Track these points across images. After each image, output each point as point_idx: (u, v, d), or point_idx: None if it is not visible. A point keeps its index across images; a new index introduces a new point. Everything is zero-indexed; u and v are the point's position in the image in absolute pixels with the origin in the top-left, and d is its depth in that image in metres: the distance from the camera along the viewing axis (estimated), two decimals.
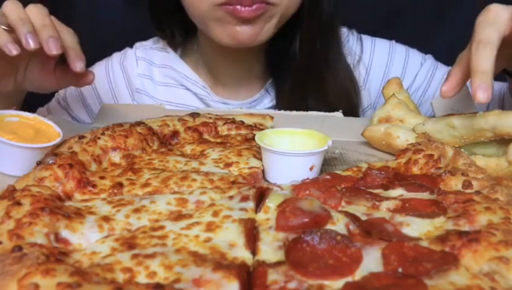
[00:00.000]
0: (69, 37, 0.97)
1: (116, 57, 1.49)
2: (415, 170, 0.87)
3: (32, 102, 1.41)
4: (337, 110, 1.27)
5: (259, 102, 1.42)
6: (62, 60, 1.02)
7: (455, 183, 0.80)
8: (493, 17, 0.87)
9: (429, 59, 1.46)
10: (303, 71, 1.34)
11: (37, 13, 0.93)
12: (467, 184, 0.79)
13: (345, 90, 1.38)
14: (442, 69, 1.44)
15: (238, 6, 1.14)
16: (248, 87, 1.42)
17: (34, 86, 1.11)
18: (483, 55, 0.84)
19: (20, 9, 0.93)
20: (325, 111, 1.27)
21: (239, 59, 1.35)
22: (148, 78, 1.45)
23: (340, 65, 1.38)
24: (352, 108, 1.37)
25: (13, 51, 0.91)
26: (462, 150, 0.90)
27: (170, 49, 1.46)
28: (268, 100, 1.41)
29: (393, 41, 1.48)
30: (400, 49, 1.46)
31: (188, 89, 1.42)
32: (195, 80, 1.42)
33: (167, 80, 1.44)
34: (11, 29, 0.93)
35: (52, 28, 0.93)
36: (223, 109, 1.33)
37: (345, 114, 1.26)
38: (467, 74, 0.90)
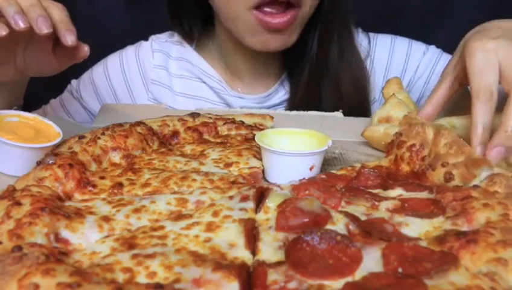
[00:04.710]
0: (58, 11, 0.95)
1: (130, 48, 1.50)
2: (404, 166, 0.87)
3: (41, 97, 1.40)
4: (349, 101, 1.30)
5: (274, 95, 1.44)
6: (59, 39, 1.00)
7: (437, 178, 0.80)
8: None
9: (432, 48, 1.46)
10: (319, 64, 1.37)
11: None
12: (448, 177, 0.79)
13: (358, 80, 1.40)
14: (445, 57, 1.42)
15: (269, 19, 1.19)
16: (264, 81, 1.45)
17: (34, 70, 1.09)
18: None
19: None
20: (338, 102, 1.29)
21: (257, 54, 1.37)
22: (164, 69, 1.47)
23: (353, 56, 1.40)
24: (363, 98, 1.39)
25: (1, 31, 0.89)
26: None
27: (186, 43, 1.48)
28: (283, 93, 1.44)
29: (395, 36, 1.49)
30: (401, 41, 1.47)
31: (204, 82, 1.45)
32: (211, 74, 1.44)
33: (183, 72, 1.46)
34: None
35: (40, 7, 0.92)
36: (236, 103, 1.39)
37: (356, 105, 1.27)
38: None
